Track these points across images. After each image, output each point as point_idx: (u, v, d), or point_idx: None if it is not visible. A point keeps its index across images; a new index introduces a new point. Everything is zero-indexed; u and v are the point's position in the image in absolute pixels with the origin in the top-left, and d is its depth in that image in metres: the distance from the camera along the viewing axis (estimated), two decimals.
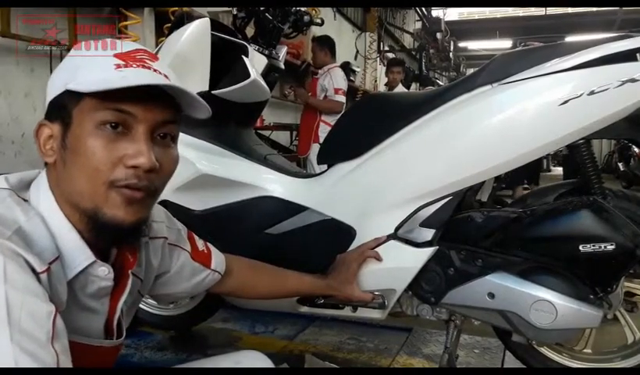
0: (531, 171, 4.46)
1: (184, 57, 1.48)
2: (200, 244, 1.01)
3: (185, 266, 0.96)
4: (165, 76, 0.68)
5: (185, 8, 3.03)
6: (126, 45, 0.72)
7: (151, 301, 1.80)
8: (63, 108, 0.67)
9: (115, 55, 0.68)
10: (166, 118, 0.70)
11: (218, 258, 1.04)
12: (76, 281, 0.68)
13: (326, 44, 4.23)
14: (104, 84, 0.64)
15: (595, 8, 12.21)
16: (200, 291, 1.04)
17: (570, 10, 12.94)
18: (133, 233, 0.72)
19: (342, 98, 4.06)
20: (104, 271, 0.71)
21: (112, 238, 0.72)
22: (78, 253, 0.68)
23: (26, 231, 0.63)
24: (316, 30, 4.48)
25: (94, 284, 0.71)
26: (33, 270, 0.59)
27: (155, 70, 0.68)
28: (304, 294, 1.33)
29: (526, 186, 4.63)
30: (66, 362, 0.57)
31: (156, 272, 0.91)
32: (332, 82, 4.06)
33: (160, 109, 0.69)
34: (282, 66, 1.78)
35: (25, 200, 0.68)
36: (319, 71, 4.27)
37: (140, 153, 0.66)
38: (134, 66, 0.67)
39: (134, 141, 0.67)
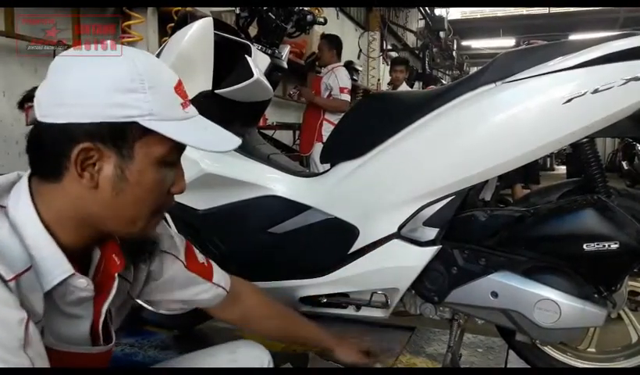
0: (530, 170, 4.44)
1: (187, 56, 1.48)
2: (200, 257, 0.99)
3: (177, 275, 0.94)
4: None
5: (188, 8, 3.04)
6: (171, 76, 0.72)
7: None
8: (123, 138, 0.65)
9: (175, 90, 0.70)
10: None
11: (220, 275, 1.01)
12: (54, 292, 0.67)
13: (335, 45, 4.25)
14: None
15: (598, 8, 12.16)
16: (205, 304, 1.00)
17: (573, 8, 12.88)
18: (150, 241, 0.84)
19: (347, 97, 4.08)
20: (83, 283, 0.70)
21: (132, 247, 0.79)
22: (55, 265, 0.66)
23: None
24: (321, 29, 4.48)
25: (73, 294, 0.70)
26: (2, 278, 0.58)
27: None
28: (311, 344, 1.20)
29: (524, 185, 4.61)
30: (42, 366, 0.57)
31: (146, 276, 0.90)
32: (338, 81, 4.08)
33: None
34: (285, 66, 1.78)
35: (2, 206, 0.66)
36: (323, 70, 4.28)
37: (181, 181, 0.74)
38: (190, 103, 0.73)
39: (176, 169, 0.73)
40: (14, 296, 0.58)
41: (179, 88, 0.70)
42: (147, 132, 0.66)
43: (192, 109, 0.73)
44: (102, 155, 0.65)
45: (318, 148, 4.01)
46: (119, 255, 0.77)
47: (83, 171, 0.65)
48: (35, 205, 0.66)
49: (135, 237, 0.74)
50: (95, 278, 0.74)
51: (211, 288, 0.98)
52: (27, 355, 0.55)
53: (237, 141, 0.75)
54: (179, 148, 0.71)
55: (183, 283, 0.95)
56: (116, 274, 0.76)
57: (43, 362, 0.57)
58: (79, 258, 0.70)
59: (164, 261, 0.92)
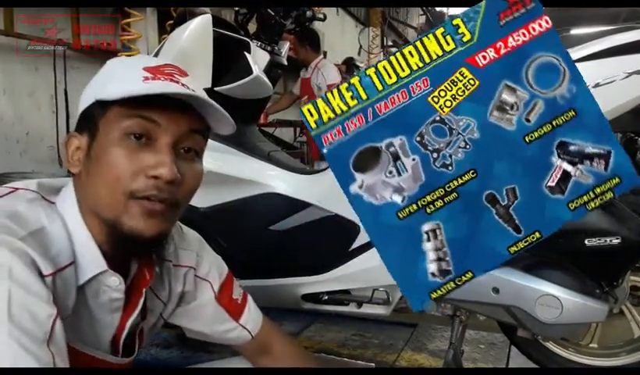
0: None
1: (186, 54, 1.47)
2: (237, 292, 0.93)
3: (207, 305, 0.90)
4: (193, 91, 0.68)
5: None
6: (154, 60, 0.73)
7: None
8: (91, 119, 0.68)
9: (144, 69, 0.69)
10: (192, 127, 0.71)
11: (251, 316, 0.94)
12: (87, 288, 0.69)
13: (305, 39, 3.90)
14: (129, 92, 0.64)
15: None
16: (228, 343, 0.94)
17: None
18: (153, 245, 0.72)
19: None
20: (116, 282, 0.71)
21: (132, 250, 0.73)
22: (91, 260, 0.68)
23: (46, 233, 0.64)
24: (320, 25, 4.43)
25: (105, 294, 0.71)
26: (40, 272, 0.60)
27: (183, 85, 0.68)
28: None
29: None
30: (62, 364, 0.57)
31: (179, 298, 0.88)
32: (324, 78, 3.85)
33: (185, 120, 0.70)
34: (285, 62, 1.78)
35: (53, 203, 0.70)
36: (308, 69, 4.03)
37: (161, 164, 0.66)
38: (162, 78, 0.68)
39: (157, 151, 0.67)
40: (48, 291, 0.59)
41: (155, 68, 0.69)
42: (106, 108, 0.67)
43: (158, 82, 0.67)
44: (81, 141, 0.70)
45: None
46: (150, 270, 0.77)
47: (72, 159, 0.70)
48: (78, 201, 0.70)
49: (126, 231, 0.67)
50: (129, 291, 0.74)
51: (235, 328, 0.92)
52: (50, 350, 0.56)
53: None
54: (147, 120, 0.66)
55: (211, 315, 0.91)
56: (144, 290, 0.76)
57: (62, 361, 0.57)
58: (118, 267, 0.71)
59: (197, 286, 0.89)
